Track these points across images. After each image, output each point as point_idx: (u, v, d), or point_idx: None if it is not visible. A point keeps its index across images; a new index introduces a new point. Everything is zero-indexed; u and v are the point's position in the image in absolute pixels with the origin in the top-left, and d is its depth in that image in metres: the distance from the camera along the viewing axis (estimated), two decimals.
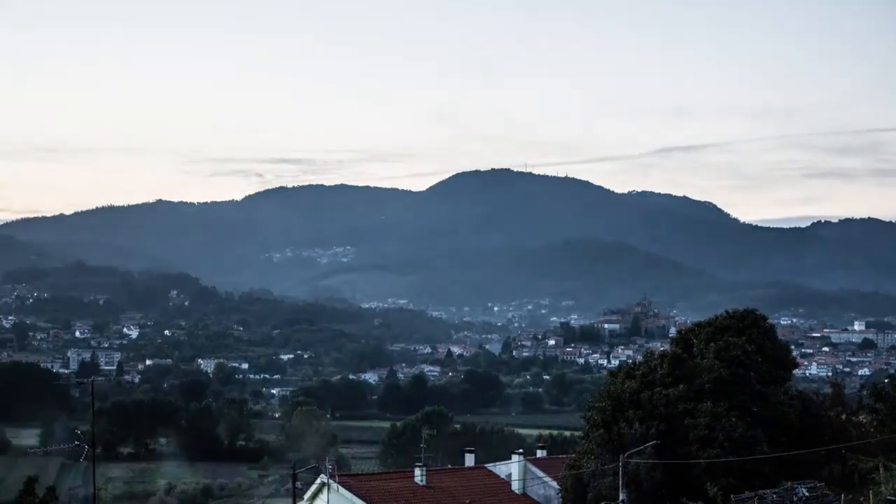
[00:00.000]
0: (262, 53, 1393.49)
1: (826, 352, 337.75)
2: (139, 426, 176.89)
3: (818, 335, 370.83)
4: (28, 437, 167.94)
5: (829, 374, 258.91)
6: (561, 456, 62.18)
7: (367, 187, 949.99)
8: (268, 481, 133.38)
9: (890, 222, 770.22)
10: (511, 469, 56.56)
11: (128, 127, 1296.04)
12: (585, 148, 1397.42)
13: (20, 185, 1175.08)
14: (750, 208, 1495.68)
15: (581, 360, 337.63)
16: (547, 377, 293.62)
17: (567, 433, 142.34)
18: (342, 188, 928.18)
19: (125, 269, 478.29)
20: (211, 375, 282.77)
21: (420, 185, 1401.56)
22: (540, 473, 56.32)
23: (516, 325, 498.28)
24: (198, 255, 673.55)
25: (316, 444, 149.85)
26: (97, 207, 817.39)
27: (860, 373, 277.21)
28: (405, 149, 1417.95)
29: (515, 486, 55.66)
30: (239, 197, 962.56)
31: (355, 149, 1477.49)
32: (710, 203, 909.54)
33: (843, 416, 51.51)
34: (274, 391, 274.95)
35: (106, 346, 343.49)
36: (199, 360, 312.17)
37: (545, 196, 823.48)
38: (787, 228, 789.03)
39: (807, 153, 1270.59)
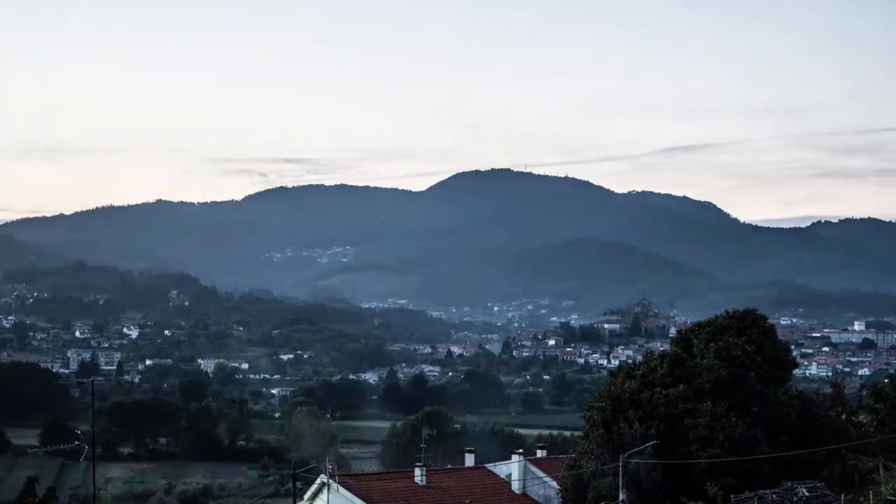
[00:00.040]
0: (262, 53, 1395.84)
1: (826, 352, 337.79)
2: (139, 426, 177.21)
3: (818, 335, 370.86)
4: (28, 437, 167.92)
5: (829, 374, 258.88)
6: (561, 456, 62.11)
7: (368, 187, 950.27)
8: (268, 481, 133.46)
9: (890, 222, 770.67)
10: (511, 469, 56.51)
11: (128, 127, 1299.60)
12: (585, 148, 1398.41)
13: (20, 185, 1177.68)
14: (750, 208, 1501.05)
15: (581, 360, 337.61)
16: (547, 377, 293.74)
17: (567, 433, 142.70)
18: (342, 188, 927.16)
19: (125, 269, 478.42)
20: (211, 375, 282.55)
21: (420, 184, 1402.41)
22: (540, 473, 56.26)
23: (516, 325, 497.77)
24: (198, 255, 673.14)
25: (316, 444, 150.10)
26: (97, 207, 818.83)
27: (860, 373, 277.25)
28: (405, 149, 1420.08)
29: (515, 486, 55.60)
30: (239, 197, 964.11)
31: (356, 149, 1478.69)
32: (711, 203, 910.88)
33: (843, 416, 51.44)
34: (274, 391, 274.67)
35: (106, 346, 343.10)
36: (199, 360, 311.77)
37: (545, 196, 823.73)
38: (787, 228, 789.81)
39: (807, 153, 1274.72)
